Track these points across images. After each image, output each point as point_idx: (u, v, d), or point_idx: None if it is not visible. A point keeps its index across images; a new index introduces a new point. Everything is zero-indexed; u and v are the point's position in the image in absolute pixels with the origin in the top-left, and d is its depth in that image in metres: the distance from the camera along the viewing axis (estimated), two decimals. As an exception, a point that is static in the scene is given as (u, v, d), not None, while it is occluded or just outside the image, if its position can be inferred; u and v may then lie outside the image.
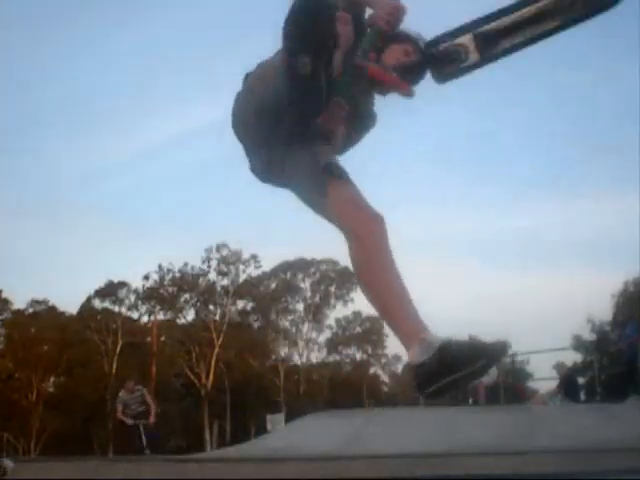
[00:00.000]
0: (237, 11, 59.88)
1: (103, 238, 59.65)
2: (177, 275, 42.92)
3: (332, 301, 45.24)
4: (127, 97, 63.20)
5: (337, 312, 46.04)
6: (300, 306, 45.09)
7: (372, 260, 2.06)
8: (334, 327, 47.31)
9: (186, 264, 42.81)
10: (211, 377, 40.21)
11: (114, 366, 39.72)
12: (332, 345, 47.52)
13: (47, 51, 58.89)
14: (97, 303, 44.21)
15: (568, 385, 12.29)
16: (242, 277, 43.65)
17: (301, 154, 2.19)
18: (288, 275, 45.29)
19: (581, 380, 15.41)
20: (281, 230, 54.73)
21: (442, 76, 2.40)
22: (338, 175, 2.14)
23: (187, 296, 43.33)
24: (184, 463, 6.86)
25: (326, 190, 2.12)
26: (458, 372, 1.88)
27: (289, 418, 18.69)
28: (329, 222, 2.17)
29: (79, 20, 58.90)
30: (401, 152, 59.42)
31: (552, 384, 13.35)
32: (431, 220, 65.66)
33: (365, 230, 2.08)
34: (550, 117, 61.06)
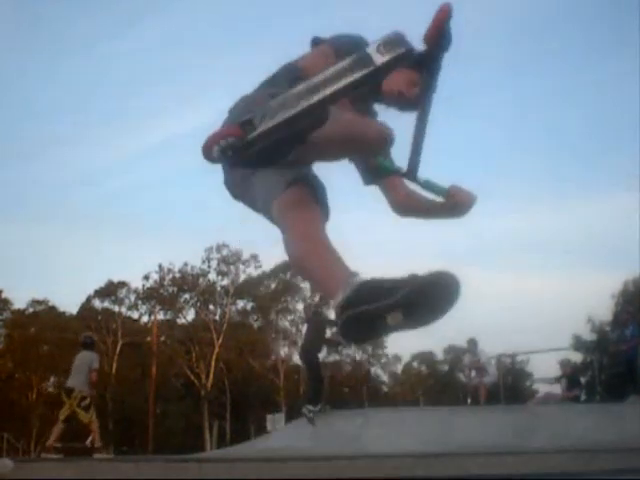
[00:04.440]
0: (237, 15, 59.96)
1: (103, 238, 59.65)
2: (177, 275, 42.91)
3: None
4: (127, 97, 63.27)
5: (337, 312, 45.88)
6: (300, 306, 45.05)
7: (305, 249, 2.00)
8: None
9: (186, 264, 42.82)
10: (211, 377, 40.20)
11: (114, 366, 39.72)
12: (331, 346, 47.48)
13: (48, 50, 58.95)
14: (97, 303, 44.26)
15: (571, 384, 12.28)
16: (242, 277, 43.67)
17: (270, 173, 2.14)
18: (288, 275, 45.24)
19: (581, 380, 15.40)
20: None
21: None
22: (290, 184, 2.08)
23: (187, 296, 43.31)
24: (184, 463, 6.86)
25: (275, 197, 2.08)
26: (375, 302, 1.76)
27: (289, 418, 18.68)
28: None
29: (82, 20, 58.92)
30: (399, 157, 59.33)
31: (552, 384, 13.34)
32: (427, 222, 65.46)
33: (300, 232, 2.02)
34: (547, 117, 61.10)
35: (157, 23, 61.26)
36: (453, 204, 2.41)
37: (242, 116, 1.95)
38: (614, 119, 62.73)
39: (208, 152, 1.93)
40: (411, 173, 2.39)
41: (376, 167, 2.40)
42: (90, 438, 9.92)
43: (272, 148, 1.96)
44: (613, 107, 62.90)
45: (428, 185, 2.45)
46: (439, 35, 1.93)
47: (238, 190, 2.30)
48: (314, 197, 2.12)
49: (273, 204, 2.10)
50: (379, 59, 1.85)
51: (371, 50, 1.86)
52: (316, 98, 1.87)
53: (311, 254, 1.98)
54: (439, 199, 2.45)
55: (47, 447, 9.55)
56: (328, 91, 1.87)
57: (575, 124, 61.48)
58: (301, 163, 2.14)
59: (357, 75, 1.86)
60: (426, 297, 1.78)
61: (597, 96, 62.02)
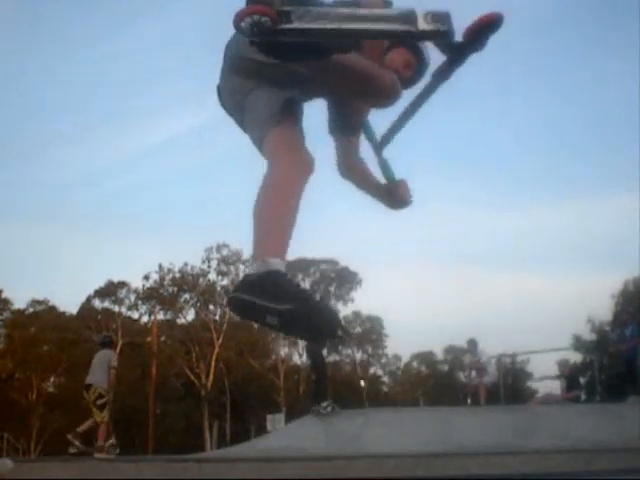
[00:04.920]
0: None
1: (103, 238, 59.66)
2: (177, 275, 42.89)
3: (332, 301, 45.19)
4: (128, 97, 63.27)
5: (337, 312, 45.82)
6: (300, 306, 44.95)
7: (277, 187, 2.04)
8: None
9: (186, 264, 42.79)
10: (211, 377, 40.19)
11: (114, 366, 39.63)
12: (332, 345, 47.47)
13: (48, 50, 58.95)
14: (97, 303, 44.23)
15: (570, 384, 12.28)
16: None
17: (265, 92, 2.18)
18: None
19: (581, 380, 15.42)
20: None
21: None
22: (283, 119, 2.13)
23: (187, 296, 43.28)
24: (184, 463, 6.86)
25: (268, 131, 2.12)
26: (264, 300, 1.85)
27: (289, 418, 18.68)
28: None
29: (82, 20, 58.92)
30: (400, 154, 59.28)
31: (552, 384, 13.35)
32: (428, 222, 65.63)
33: (287, 166, 2.06)
34: (549, 118, 61.10)
35: (157, 23, 61.31)
36: (393, 195, 2.55)
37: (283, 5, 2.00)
38: (615, 119, 62.74)
39: (238, 22, 1.97)
40: (380, 146, 2.50)
41: (349, 120, 2.50)
42: (111, 440, 9.86)
43: (296, 47, 2.03)
44: (614, 107, 62.90)
45: (384, 165, 2.56)
46: (480, 35, 2.00)
47: (230, 102, 2.30)
48: (303, 140, 2.16)
49: (265, 139, 2.13)
50: (422, 25, 1.95)
51: (419, 13, 1.96)
52: (355, 26, 1.98)
53: (267, 208, 2.01)
54: (383, 181, 2.58)
55: (74, 433, 9.50)
56: (368, 26, 1.98)
57: (575, 124, 61.51)
58: (313, 84, 2.20)
59: (397, 27, 1.98)
60: (305, 322, 1.88)
61: (598, 95, 62.06)
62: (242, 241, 41.99)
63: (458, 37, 2.01)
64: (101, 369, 9.87)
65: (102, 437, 9.70)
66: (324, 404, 9.42)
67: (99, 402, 9.58)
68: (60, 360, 40.11)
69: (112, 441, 9.92)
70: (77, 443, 9.30)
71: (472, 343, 12.64)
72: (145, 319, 44.24)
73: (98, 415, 9.56)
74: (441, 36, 1.98)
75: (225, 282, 42.97)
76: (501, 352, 15.62)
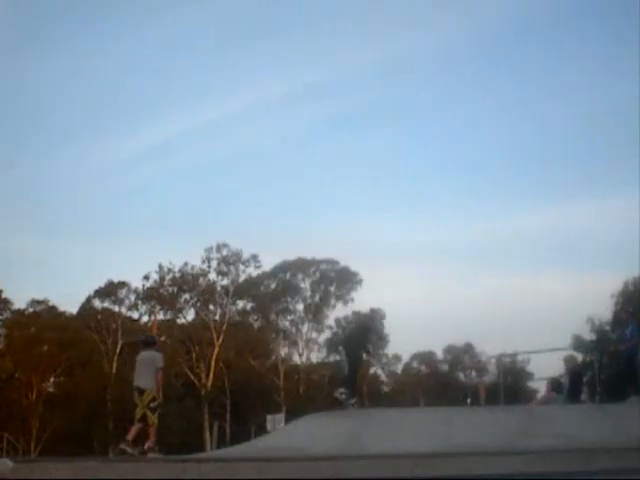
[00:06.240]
0: (236, 16, 59.98)
1: (103, 238, 59.65)
2: (177, 275, 42.87)
3: (332, 301, 45.15)
4: (128, 99, 63.29)
5: (337, 312, 45.90)
6: (300, 306, 45.01)
7: None
8: (334, 327, 47.15)
9: (186, 264, 42.80)
10: (211, 377, 40.19)
11: (114, 366, 39.67)
12: (332, 345, 47.37)
13: (48, 50, 59.01)
14: (97, 303, 44.20)
15: (574, 381, 12.23)
16: (242, 277, 43.63)
17: None
18: (288, 275, 45.19)
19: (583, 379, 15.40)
20: (281, 230, 54.78)
21: None
22: None
23: (187, 296, 43.27)
24: (184, 463, 6.87)
25: None
26: None
27: (289, 418, 18.68)
28: None
29: (87, 24, 58.95)
30: (399, 158, 59.51)
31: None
32: (432, 224, 65.70)
33: None
34: (547, 119, 61.12)
35: (157, 23, 61.30)
36: None
37: None
38: (610, 121, 62.76)
39: None
40: None
41: None
42: (148, 443, 9.78)
43: None
44: (610, 108, 62.92)
45: None
46: None
47: None
48: None
49: None
50: None
51: None
52: None
53: None
54: None
55: (126, 442, 9.53)
56: None
57: (576, 123, 61.50)
58: None
59: None
60: None
61: (598, 97, 62.09)
62: (242, 241, 42.09)
63: None
64: (149, 371, 9.79)
65: (154, 437, 9.68)
66: (340, 389, 9.75)
67: (152, 405, 9.61)
68: (60, 360, 40.10)
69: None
70: (130, 449, 9.34)
71: (471, 346, 12.69)
72: (145, 319, 44.27)
73: (151, 418, 9.60)
74: None
75: (225, 282, 43.02)
76: (501, 352, 15.61)
